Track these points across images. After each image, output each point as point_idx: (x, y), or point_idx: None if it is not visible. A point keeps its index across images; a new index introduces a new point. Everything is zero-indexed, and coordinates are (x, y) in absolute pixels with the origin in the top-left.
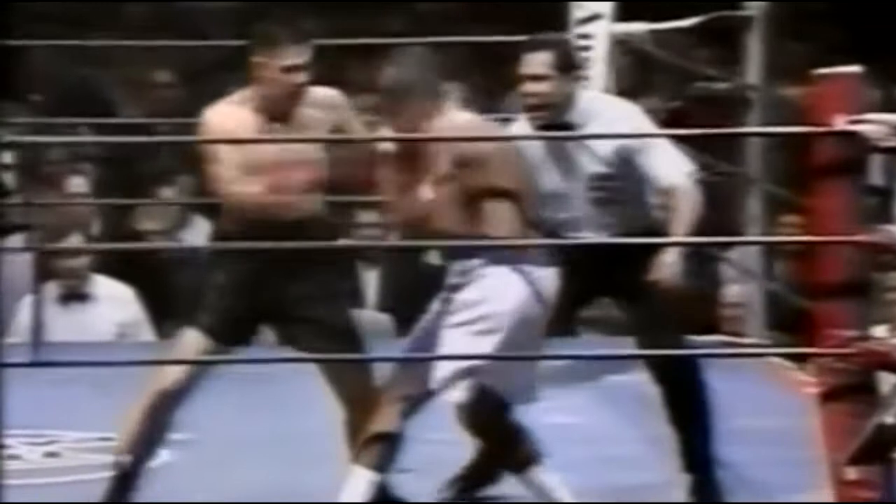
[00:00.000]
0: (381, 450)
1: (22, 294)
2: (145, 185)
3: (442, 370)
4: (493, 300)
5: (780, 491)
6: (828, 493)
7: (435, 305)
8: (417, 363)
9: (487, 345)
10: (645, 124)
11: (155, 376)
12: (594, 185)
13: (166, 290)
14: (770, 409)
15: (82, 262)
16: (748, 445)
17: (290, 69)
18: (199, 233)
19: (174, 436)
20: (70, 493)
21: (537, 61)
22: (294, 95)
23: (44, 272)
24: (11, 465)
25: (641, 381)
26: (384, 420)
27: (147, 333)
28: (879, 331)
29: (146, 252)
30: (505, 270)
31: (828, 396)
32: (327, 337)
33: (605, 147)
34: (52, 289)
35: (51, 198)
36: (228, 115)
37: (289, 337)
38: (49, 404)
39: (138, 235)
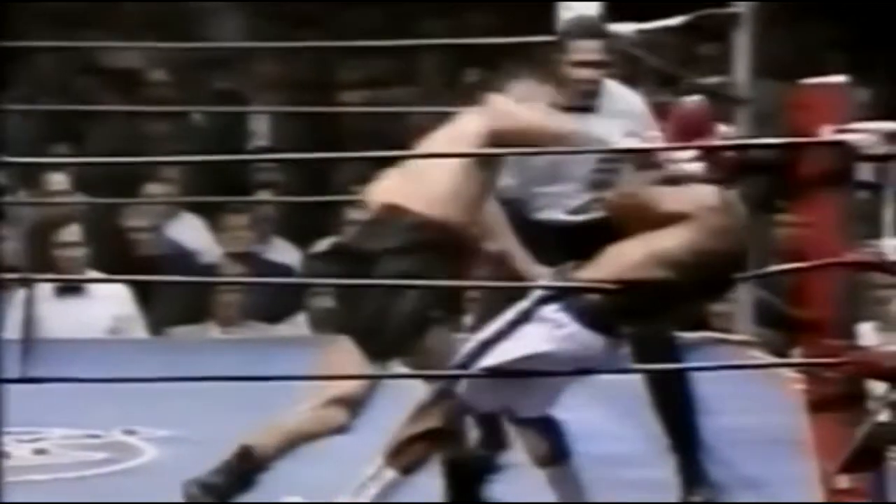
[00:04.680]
0: (414, 452)
1: None
2: (132, 181)
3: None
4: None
5: (770, 487)
6: (817, 494)
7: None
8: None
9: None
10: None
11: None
12: (599, 167)
13: (156, 287)
14: (759, 406)
15: (78, 253)
16: (737, 443)
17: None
18: (187, 228)
19: (160, 433)
20: (59, 490)
21: (591, 47)
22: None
23: (39, 265)
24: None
25: (637, 378)
26: (420, 422)
27: (140, 330)
28: (867, 329)
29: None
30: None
31: (818, 405)
32: None
33: (616, 132)
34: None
35: (33, 194)
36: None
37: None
38: (37, 401)
39: (125, 232)
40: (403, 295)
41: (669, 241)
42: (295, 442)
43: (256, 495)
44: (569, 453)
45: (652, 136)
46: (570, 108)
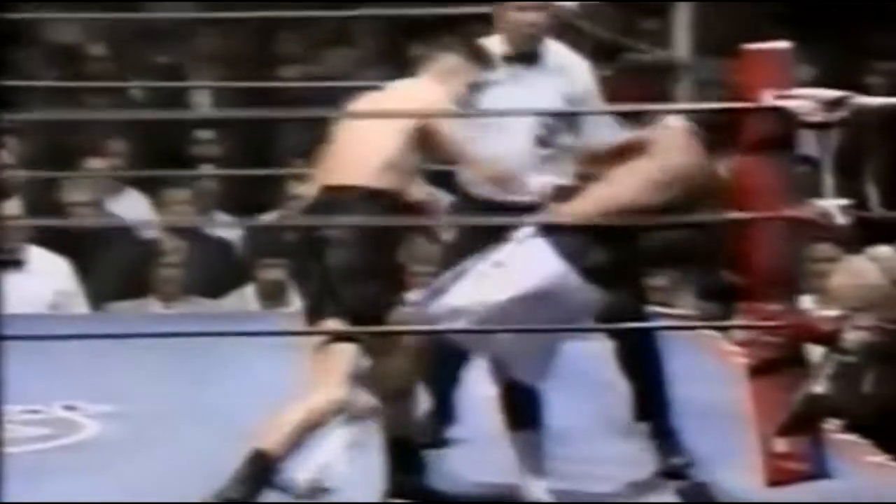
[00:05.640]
0: (394, 379)
1: None
2: (73, 156)
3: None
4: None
5: (709, 460)
6: (758, 464)
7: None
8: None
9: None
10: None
11: (314, 388)
12: (543, 130)
13: (96, 263)
14: (698, 378)
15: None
16: (678, 415)
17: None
18: (131, 204)
19: (101, 408)
20: None
21: None
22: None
23: None
24: None
25: (586, 353)
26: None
27: (80, 305)
28: (807, 301)
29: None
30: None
31: (757, 369)
32: None
33: (559, 93)
34: None
35: None
36: None
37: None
38: None
39: (66, 207)
40: (360, 280)
41: (642, 165)
42: (304, 434)
43: None
44: (541, 422)
45: None
46: (515, 57)
